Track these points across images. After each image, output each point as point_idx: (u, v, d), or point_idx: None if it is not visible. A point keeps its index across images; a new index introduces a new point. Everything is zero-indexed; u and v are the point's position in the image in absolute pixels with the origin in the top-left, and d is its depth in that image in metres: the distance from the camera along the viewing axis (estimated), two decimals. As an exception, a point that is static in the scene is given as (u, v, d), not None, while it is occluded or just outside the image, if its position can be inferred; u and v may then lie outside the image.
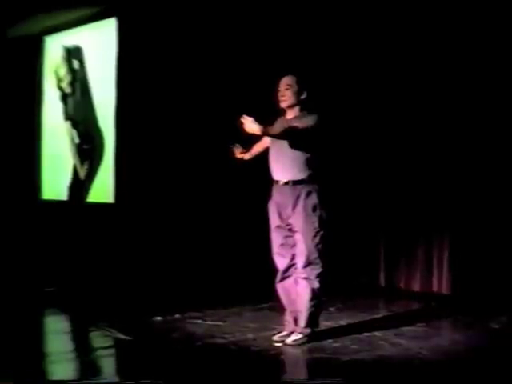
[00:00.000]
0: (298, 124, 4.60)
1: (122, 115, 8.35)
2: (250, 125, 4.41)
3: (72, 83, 9.28)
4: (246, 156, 5.08)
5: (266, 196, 4.82)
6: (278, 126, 4.71)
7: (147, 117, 7.99)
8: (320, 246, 4.64)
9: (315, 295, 4.65)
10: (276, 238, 4.78)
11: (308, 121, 4.63)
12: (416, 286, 6.59)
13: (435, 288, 6.46)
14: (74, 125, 9.28)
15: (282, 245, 4.76)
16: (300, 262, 4.67)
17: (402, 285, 6.70)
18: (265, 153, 4.91)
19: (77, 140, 9.21)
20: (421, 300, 6.27)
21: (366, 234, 6.85)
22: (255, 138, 4.78)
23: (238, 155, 5.06)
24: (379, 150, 6.75)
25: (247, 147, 5.02)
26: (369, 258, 6.86)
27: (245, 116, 4.42)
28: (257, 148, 5.02)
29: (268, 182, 4.81)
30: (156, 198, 7.94)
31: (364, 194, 6.83)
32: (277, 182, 4.74)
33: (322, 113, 4.71)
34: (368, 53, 6.70)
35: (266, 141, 4.86)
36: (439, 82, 6.31)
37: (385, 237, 6.77)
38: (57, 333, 5.27)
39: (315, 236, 4.63)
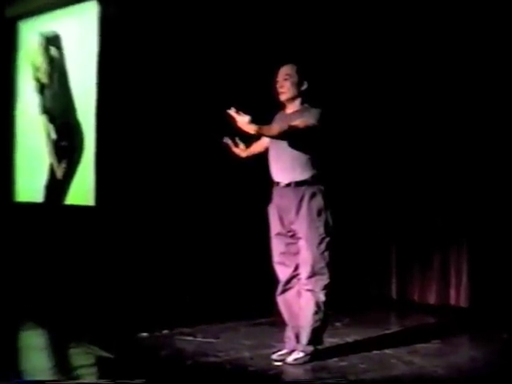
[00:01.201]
0: (299, 122, 4.57)
1: (104, 108, 8.29)
2: (245, 124, 4.38)
3: (49, 73, 9.27)
4: (243, 154, 5.07)
5: (266, 199, 4.82)
6: (276, 125, 4.69)
7: (132, 110, 7.93)
8: (326, 254, 4.64)
9: (320, 309, 4.65)
10: (277, 246, 4.78)
11: (309, 118, 4.62)
12: (431, 299, 6.63)
13: (453, 301, 6.50)
14: (51, 119, 9.26)
15: (283, 253, 4.76)
16: (304, 272, 4.66)
17: (415, 297, 6.74)
18: (265, 152, 4.90)
19: (54, 135, 9.20)
20: (437, 314, 6.30)
21: (377, 240, 6.87)
22: (252, 136, 4.75)
23: (235, 150, 5.06)
24: (391, 148, 6.78)
25: (247, 144, 5.02)
26: (379, 267, 6.88)
27: (241, 113, 4.39)
28: (255, 147, 5.02)
29: (268, 183, 4.81)
30: (142, 201, 7.90)
31: (374, 196, 6.86)
32: (277, 183, 4.74)
33: (326, 106, 4.71)
34: (375, 46, 6.77)
35: (266, 140, 4.86)
36: (455, 81, 6.40)
37: (397, 244, 6.80)
38: (33, 349, 5.28)
39: (320, 243, 4.62)
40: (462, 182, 6.41)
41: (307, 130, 4.57)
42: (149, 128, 7.86)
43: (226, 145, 5.05)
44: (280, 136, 4.57)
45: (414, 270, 6.73)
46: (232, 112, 4.43)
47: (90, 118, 8.50)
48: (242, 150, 5.07)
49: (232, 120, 4.43)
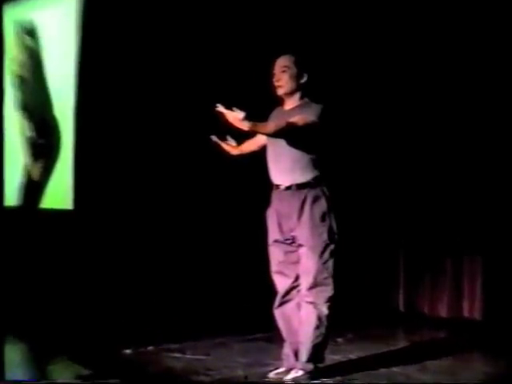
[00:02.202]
0: (298, 119, 4.54)
1: (83, 104, 8.27)
2: (238, 120, 4.33)
3: (25, 65, 9.26)
4: (234, 151, 5.06)
5: (264, 203, 4.80)
6: (272, 122, 4.67)
7: (114, 106, 7.90)
8: (330, 262, 4.61)
9: (322, 324, 4.61)
10: (275, 254, 4.76)
11: (309, 114, 4.58)
12: (443, 311, 6.66)
13: (466, 313, 6.53)
14: (27, 115, 9.24)
15: (282, 262, 4.74)
16: (305, 282, 4.63)
17: (425, 309, 6.77)
18: (260, 152, 4.89)
19: (29, 133, 9.18)
20: (448, 328, 6.33)
21: (382, 247, 6.89)
22: (247, 135, 4.75)
23: (224, 147, 5.05)
24: (400, 147, 6.82)
25: (239, 142, 5.01)
26: (385, 276, 6.91)
27: (235, 109, 4.34)
28: (249, 145, 5.01)
29: (267, 186, 4.79)
30: (125, 205, 7.88)
31: (380, 199, 6.89)
32: (277, 186, 4.71)
33: (329, 101, 4.70)
34: (381, 35, 6.85)
35: (262, 138, 4.83)
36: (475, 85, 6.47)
37: (405, 251, 6.82)
38: (9, 363, 5.32)
39: (324, 251, 4.60)
40: (476, 186, 6.44)
41: (307, 127, 4.54)
42: (132, 125, 7.81)
43: (215, 143, 5.04)
44: (277, 134, 4.54)
45: (424, 279, 6.75)
46: (221, 108, 4.39)
47: (67, 114, 8.47)
48: (232, 148, 5.07)
49: (221, 116, 4.38)
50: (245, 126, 4.36)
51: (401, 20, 6.74)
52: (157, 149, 7.71)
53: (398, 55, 6.80)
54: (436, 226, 6.65)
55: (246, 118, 4.34)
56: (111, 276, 7.55)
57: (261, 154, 4.85)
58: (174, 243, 7.58)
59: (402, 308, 6.85)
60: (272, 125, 4.61)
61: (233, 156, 5.09)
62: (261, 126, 4.52)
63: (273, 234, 4.75)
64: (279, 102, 4.83)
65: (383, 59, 6.86)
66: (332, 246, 4.62)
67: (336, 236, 4.63)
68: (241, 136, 4.88)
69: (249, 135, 4.83)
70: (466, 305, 6.53)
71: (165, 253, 7.56)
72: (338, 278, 4.71)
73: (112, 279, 7.51)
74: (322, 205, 4.61)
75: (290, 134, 4.54)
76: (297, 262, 4.68)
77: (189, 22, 7.50)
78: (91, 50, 8.16)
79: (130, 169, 7.85)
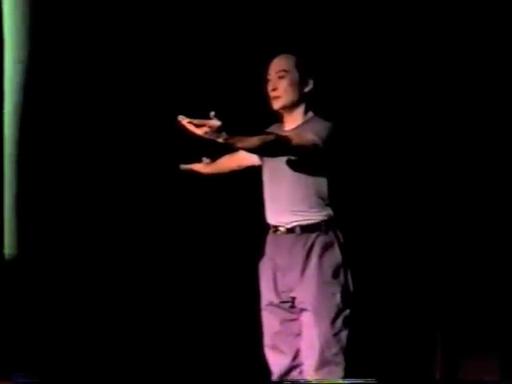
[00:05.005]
0: (292, 136, 4.44)
1: (20, 113, 8.22)
2: (213, 132, 4.16)
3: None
4: (205, 170, 5.14)
5: (256, 252, 4.80)
6: (257, 136, 4.42)
7: (63, 115, 7.82)
8: (343, 334, 4.54)
9: (332, 415, 4.56)
10: (269, 322, 4.70)
11: (309, 133, 4.49)
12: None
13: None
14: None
15: (278, 333, 4.66)
16: (309, 360, 4.56)
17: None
18: (244, 173, 4.95)
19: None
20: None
21: (414, 320, 6.91)
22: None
23: (193, 167, 5.12)
24: (435, 184, 6.90)
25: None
26: (418, 349, 6.92)
27: (213, 117, 4.15)
28: (227, 162, 5.07)
29: (261, 228, 4.77)
30: (78, 249, 7.77)
31: (411, 250, 6.90)
32: (275, 228, 4.66)
33: (345, 117, 4.71)
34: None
35: (246, 156, 4.83)
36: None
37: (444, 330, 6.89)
38: None
39: (336, 318, 4.52)
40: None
41: (304, 149, 4.47)
42: (87, 140, 7.63)
43: (186, 170, 5.16)
44: (263, 151, 4.52)
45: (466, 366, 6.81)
46: (184, 120, 4.20)
47: (2, 130, 8.40)
48: (202, 166, 5.15)
49: (187, 130, 4.24)
50: (220, 137, 4.20)
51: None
52: (118, 172, 7.60)
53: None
54: (484, 295, 6.79)
55: (223, 128, 4.17)
56: (63, 335, 7.29)
57: (252, 185, 4.85)
58: (141, 300, 7.46)
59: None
60: (256, 139, 4.38)
61: (204, 175, 5.18)
62: (241, 139, 4.32)
63: (266, 294, 4.69)
64: (278, 117, 4.77)
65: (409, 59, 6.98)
66: (347, 312, 4.55)
67: (352, 298, 4.58)
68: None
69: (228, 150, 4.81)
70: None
71: (133, 310, 7.42)
72: (352, 351, 4.65)
73: (63, 339, 7.25)
74: (335, 255, 4.56)
75: (282, 155, 4.50)
76: (298, 334, 4.62)
77: (174, 16, 7.53)
78: (37, 32, 8.10)
79: (82, 200, 7.68)
